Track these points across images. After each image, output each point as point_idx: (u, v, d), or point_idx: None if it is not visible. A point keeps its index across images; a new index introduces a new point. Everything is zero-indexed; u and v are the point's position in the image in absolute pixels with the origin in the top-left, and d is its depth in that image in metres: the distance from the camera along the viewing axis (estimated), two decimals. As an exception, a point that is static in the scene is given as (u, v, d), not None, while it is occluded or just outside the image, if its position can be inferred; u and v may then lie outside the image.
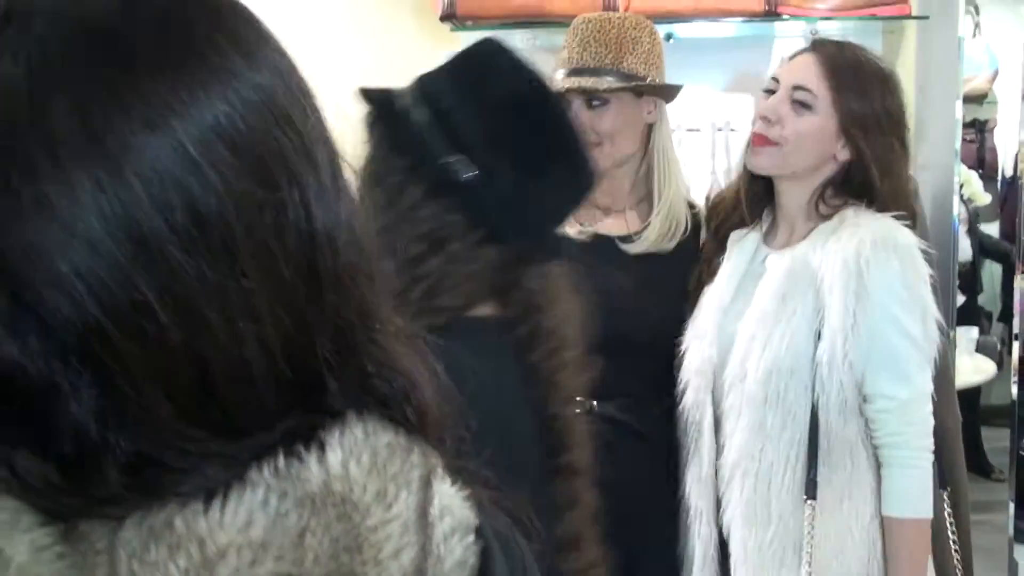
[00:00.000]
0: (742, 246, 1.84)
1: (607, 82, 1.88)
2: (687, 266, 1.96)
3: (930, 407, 1.66)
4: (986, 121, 4.77)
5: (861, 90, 1.71)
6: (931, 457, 1.67)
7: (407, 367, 0.60)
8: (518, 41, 2.54)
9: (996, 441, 3.51)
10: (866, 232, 1.65)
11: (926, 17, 2.45)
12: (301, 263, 0.54)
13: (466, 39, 2.60)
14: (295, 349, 0.54)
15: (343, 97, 2.65)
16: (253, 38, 0.59)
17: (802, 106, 1.71)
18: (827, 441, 1.67)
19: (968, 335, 3.87)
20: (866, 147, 1.69)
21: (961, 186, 3.02)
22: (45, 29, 0.52)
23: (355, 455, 0.54)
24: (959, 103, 2.41)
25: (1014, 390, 2.57)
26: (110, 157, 0.50)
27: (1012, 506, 2.53)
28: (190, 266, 0.51)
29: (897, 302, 1.64)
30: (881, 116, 1.71)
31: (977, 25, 4.07)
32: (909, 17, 2.41)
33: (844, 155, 1.72)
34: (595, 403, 1.92)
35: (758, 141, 1.75)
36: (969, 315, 4.12)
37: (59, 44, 0.52)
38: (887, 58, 2.60)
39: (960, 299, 3.33)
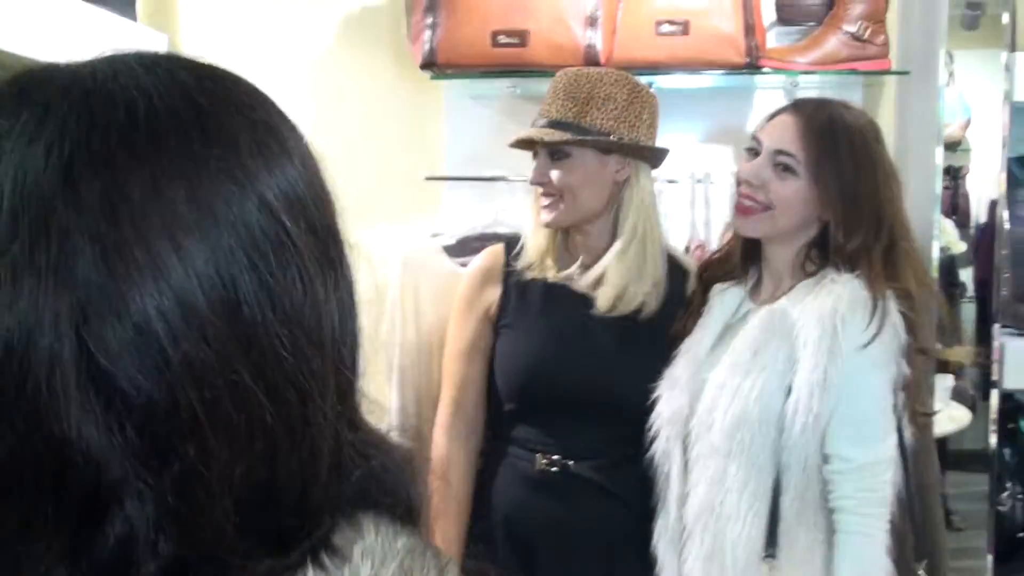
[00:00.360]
0: (723, 298, 1.84)
1: (561, 135, 1.87)
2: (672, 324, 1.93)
3: (889, 474, 1.64)
4: (960, 168, 4.80)
5: (838, 154, 1.70)
6: (885, 526, 1.64)
7: (396, 457, 0.61)
8: (497, 90, 2.54)
9: (967, 486, 3.50)
10: (844, 290, 1.63)
11: (906, 72, 2.45)
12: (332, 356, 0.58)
13: (447, 88, 2.61)
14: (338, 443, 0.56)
15: (324, 143, 2.63)
16: (281, 140, 0.62)
17: (785, 170, 1.71)
18: (789, 499, 1.65)
19: (943, 384, 3.87)
20: (843, 211, 1.69)
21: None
22: (72, 124, 0.52)
23: (380, 564, 0.55)
24: (939, 150, 2.41)
25: (992, 440, 2.55)
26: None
27: (990, 559, 2.51)
28: (280, 349, 0.53)
29: (869, 363, 1.62)
30: (857, 180, 1.69)
31: (951, 74, 4.11)
32: (889, 72, 2.41)
33: (827, 216, 1.71)
34: (571, 463, 1.89)
35: (745, 210, 1.74)
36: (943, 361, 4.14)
37: (89, 139, 0.52)
38: (867, 110, 2.61)
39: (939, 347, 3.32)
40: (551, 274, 1.95)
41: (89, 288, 0.49)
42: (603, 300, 1.91)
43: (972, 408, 3.82)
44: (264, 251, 0.55)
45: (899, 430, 1.67)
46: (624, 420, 1.85)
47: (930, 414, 2.27)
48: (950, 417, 3.72)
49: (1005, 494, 2.56)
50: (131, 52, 0.59)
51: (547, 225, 1.94)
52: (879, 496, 1.63)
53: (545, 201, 1.92)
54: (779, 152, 1.72)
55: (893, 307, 1.65)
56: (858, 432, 1.62)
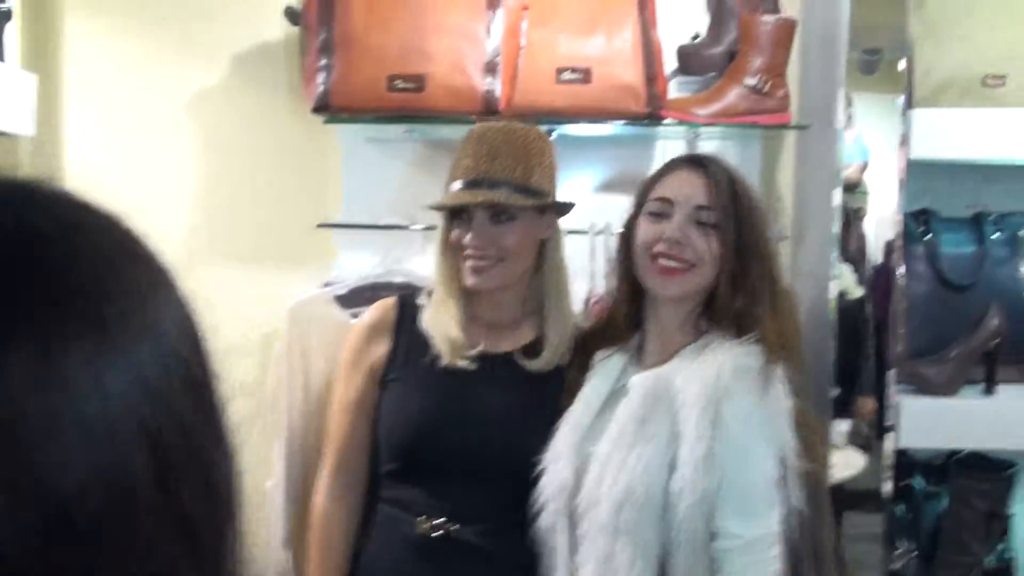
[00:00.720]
0: (606, 366, 1.79)
1: (518, 198, 1.81)
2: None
3: (776, 549, 1.59)
4: (857, 209, 4.91)
5: (739, 210, 1.67)
6: None
7: None
8: (394, 134, 2.46)
9: (861, 527, 3.52)
10: (728, 358, 1.59)
11: (806, 127, 2.45)
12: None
13: (343, 132, 2.52)
14: None
15: (212, 187, 2.52)
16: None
17: (707, 226, 1.67)
18: None
19: (839, 428, 3.91)
20: (733, 268, 1.66)
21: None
22: None
23: None
24: (838, 192, 2.41)
25: (887, 486, 2.54)
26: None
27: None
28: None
29: (753, 435, 1.58)
30: (760, 241, 1.68)
31: (850, 117, 4.19)
32: (790, 127, 2.40)
33: (727, 271, 1.67)
34: (456, 527, 1.82)
35: (670, 271, 1.69)
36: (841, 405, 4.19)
37: None
38: (767, 161, 2.61)
39: (836, 391, 3.34)
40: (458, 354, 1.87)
41: None
42: (543, 362, 1.88)
43: (867, 448, 3.86)
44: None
45: (788, 500, 1.63)
46: (515, 483, 1.78)
47: (819, 471, 2.27)
48: (846, 463, 3.76)
49: (898, 552, 2.55)
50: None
51: (475, 287, 1.87)
52: (770, 571, 1.59)
53: (478, 264, 1.84)
54: (700, 208, 1.68)
55: (779, 373, 1.61)
56: (744, 507, 1.57)
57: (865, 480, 3.97)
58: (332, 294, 2.34)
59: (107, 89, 2.58)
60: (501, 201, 1.81)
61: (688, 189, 1.70)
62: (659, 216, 1.72)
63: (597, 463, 1.66)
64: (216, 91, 2.59)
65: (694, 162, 1.75)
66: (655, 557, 1.59)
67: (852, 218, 4.80)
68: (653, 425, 1.62)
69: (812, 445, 2.16)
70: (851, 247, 4.70)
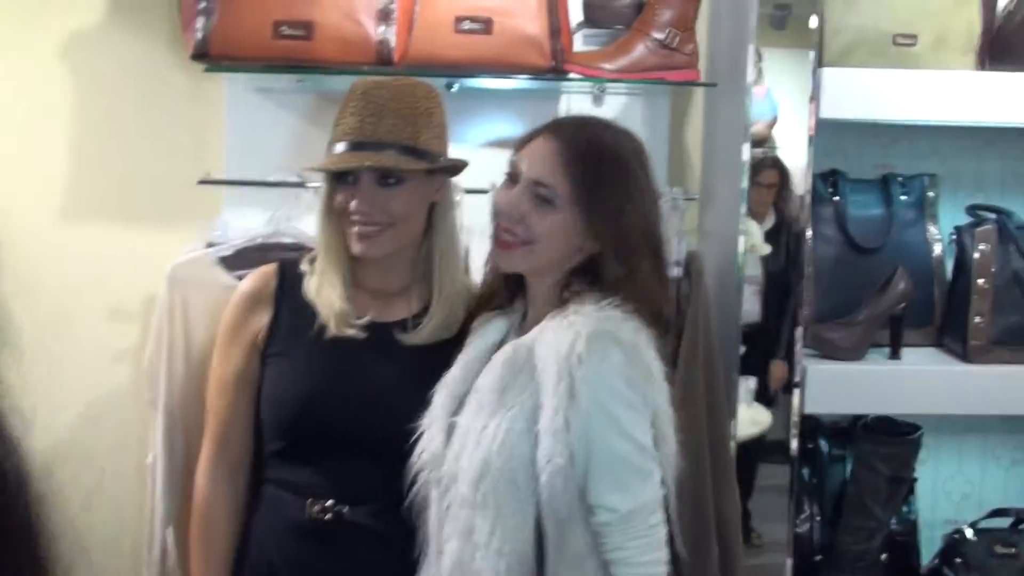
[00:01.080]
0: (485, 331, 1.71)
1: (408, 160, 1.69)
2: None
3: (658, 516, 1.52)
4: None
5: (603, 183, 1.56)
6: (662, 571, 1.52)
7: None
8: (284, 84, 2.31)
9: (769, 478, 3.51)
10: (584, 326, 1.50)
11: (714, 84, 2.36)
12: None
13: (229, 80, 2.35)
14: None
15: (86, 140, 2.34)
16: None
17: (544, 202, 1.57)
18: (553, 554, 1.52)
19: (745, 385, 3.90)
20: (609, 240, 1.56)
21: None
22: None
23: None
24: (746, 147, 2.33)
25: (793, 443, 2.50)
26: None
27: None
28: None
29: (617, 402, 1.49)
30: (626, 208, 1.57)
31: (760, 72, 4.15)
32: (697, 84, 2.32)
33: (590, 247, 1.58)
34: (346, 509, 1.72)
35: (505, 244, 1.60)
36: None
37: None
38: (675, 118, 2.53)
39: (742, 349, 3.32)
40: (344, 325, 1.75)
41: None
42: (427, 332, 1.78)
43: (773, 404, 3.86)
44: None
45: (664, 465, 1.56)
46: (404, 461, 1.68)
47: (723, 436, 2.22)
48: (752, 420, 3.76)
49: (803, 515, 2.53)
50: None
51: (363, 255, 1.75)
52: (654, 540, 1.52)
53: (366, 229, 1.72)
54: (537, 183, 1.58)
55: (642, 337, 1.52)
56: (616, 479, 1.49)
57: (774, 432, 3.98)
58: (216, 255, 2.19)
59: None
60: (388, 165, 1.69)
61: (536, 160, 1.60)
62: (510, 183, 1.63)
63: (459, 434, 1.58)
64: (90, 36, 2.39)
65: (555, 129, 1.63)
66: (519, 532, 1.50)
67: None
68: (513, 395, 1.53)
69: (695, 412, 2.12)
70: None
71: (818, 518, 2.56)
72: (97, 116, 2.41)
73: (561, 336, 1.50)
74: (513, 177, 1.62)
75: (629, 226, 1.56)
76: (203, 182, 2.24)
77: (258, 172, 2.31)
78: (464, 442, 1.56)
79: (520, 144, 1.65)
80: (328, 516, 1.72)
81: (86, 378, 2.45)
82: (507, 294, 1.73)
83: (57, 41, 2.38)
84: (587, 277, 1.58)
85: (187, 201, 2.37)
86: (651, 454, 1.51)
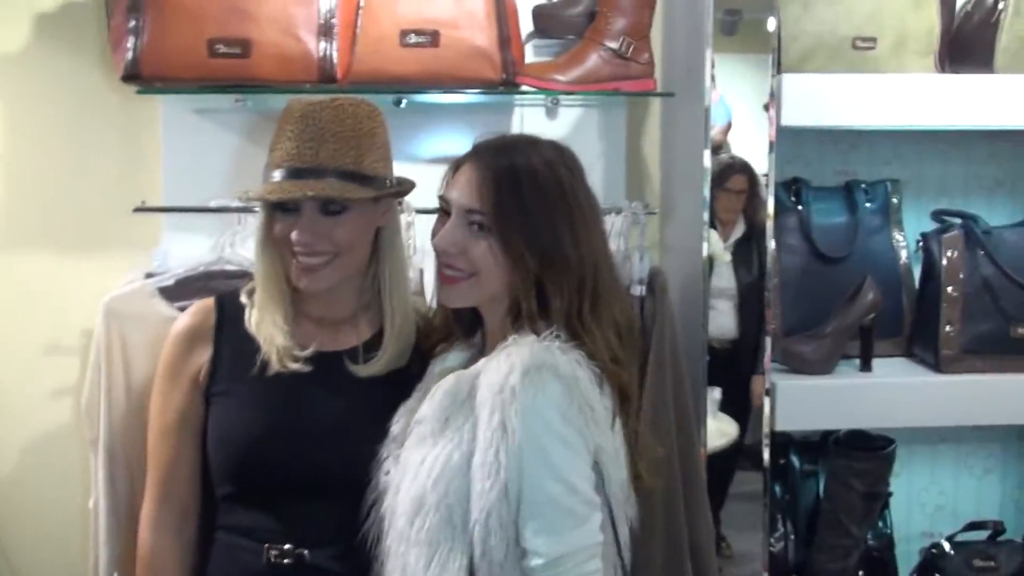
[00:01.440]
0: (444, 361, 1.63)
1: (352, 188, 1.58)
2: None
3: (594, 564, 1.40)
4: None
5: (523, 203, 1.46)
6: None
7: None
8: (223, 104, 2.21)
9: (740, 485, 3.45)
10: (519, 357, 1.40)
11: (671, 94, 2.29)
12: None
13: (165, 102, 2.25)
14: None
15: (15, 166, 2.22)
16: None
17: (480, 228, 1.48)
18: None
19: (712, 395, 3.83)
20: (541, 264, 1.46)
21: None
22: None
23: None
24: (707, 154, 2.26)
25: (764, 454, 2.42)
26: None
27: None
28: None
29: (551, 439, 1.38)
30: (553, 228, 1.46)
31: (712, 78, 4.12)
32: (655, 94, 2.24)
33: (534, 273, 1.47)
34: (306, 552, 1.61)
35: (449, 280, 1.52)
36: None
37: None
38: (632, 128, 2.45)
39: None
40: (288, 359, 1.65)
41: None
42: (382, 365, 1.68)
43: (741, 415, 3.79)
44: None
45: (609, 508, 1.46)
46: (362, 498, 1.58)
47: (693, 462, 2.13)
48: (720, 431, 3.68)
49: (777, 534, 2.45)
50: None
51: (306, 289, 1.65)
52: None
53: (309, 261, 1.62)
54: (469, 211, 1.50)
55: (580, 369, 1.42)
56: (545, 521, 1.38)
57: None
58: (155, 286, 2.08)
59: None
60: (332, 195, 1.58)
61: (463, 188, 1.51)
62: (444, 216, 1.55)
63: (399, 467, 1.49)
64: (16, 57, 2.29)
65: (476, 153, 1.55)
66: (452, 572, 1.40)
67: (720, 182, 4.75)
68: (453, 428, 1.44)
69: (665, 432, 2.04)
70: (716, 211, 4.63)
71: (792, 536, 2.49)
72: (26, 141, 2.30)
73: (497, 367, 1.41)
74: (446, 210, 1.54)
75: (560, 248, 1.46)
76: (139, 210, 2.13)
77: (199, 197, 2.20)
78: (402, 477, 1.47)
79: (448, 175, 1.57)
80: (287, 561, 1.62)
81: (23, 416, 2.33)
82: (465, 326, 1.64)
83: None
84: (539, 305, 1.49)
85: (124, 229, 2.26)
86: (586, 497, 1.40)
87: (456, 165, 1.55)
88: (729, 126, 4.18)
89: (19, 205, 2.31)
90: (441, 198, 1.56)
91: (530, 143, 1.53)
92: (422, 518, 1.41)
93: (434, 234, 1.55)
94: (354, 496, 1.58)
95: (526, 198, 1.46)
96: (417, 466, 1.43)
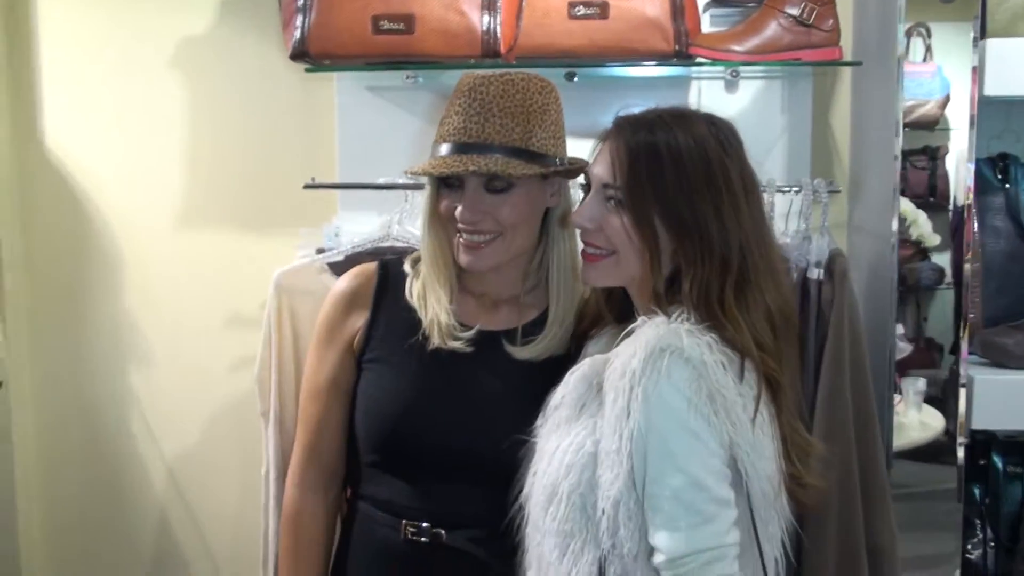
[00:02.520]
0: (598, 345, 1.55)
1: (517, 164, 1.54)
2: None
3: (726, 567, 1.29)
4: (938, 148, 4.53)
5: (659, 179, 1.37)
6: None
7: None
8: (395, 82, 2.21)
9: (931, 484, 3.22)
10: (644, 338, 1.31)
11: (859, 63, 2.13)
12: None
13: (340, 80, 2.28)
14: None
15: (197, 144, 2.31)
16: None
17: (616, 203, 1.41)
18: None
19: (915, 387, 3.59)
20: (679, 243, 1.38)
21: (909, 226, 2.76)
22: None
23: None
24: (898, 138, 2.09)
25: (959, 452, 2.23)
26: None
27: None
28: None
29: (674, 427, 1.28)
30: (687, 206, 1.37)
31: (928, 48, 3.85)
32: (840, 63, 2.08)
33: (667, 251, 1.40)
34: (444, 532, 1.59)
35: (591, 258, 1.46)
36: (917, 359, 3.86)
37: None
38: (819, 102, 2.30)
39: (908, 348, 3.06)
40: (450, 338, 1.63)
41: None
42: (541, 348, 1.64)
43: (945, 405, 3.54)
44: None
45: (749, 506, 1.35)
46: (511, 482, 1.52)
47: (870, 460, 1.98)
48: (922, 424, 3.45)
49: (975, 540, 2.26)
50: None
51: (469, 267, 1.62)
52: None
53: (472, 239, 1.59)
54: (606, 186, 1.42)
55: (709, 354, 1.31)
56: (666, 517, 1.29)
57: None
58: (325, 261, 2.11)
59: (81, 32, 2.40)
60: (495, 170, 1.54)
61: (602, 162, 1.44)
62: (585, 191, 1.49)
63: (537, 454, 1.44)
64: (202, 41, 2.38)
65: (617, 125, 1.46)
66: (589, 565, 1.34)
67: (932, 157, 4.44)
68: (587, 415, 1.37)
69: (841, 429, 1.89)
70: (932, 187, 4.33)
71: (992, 544, 2.28)
72: (209, 122, 2.40)
73: (624, 350, 1.33)
74: (590, 185, 1.48)
75: (700, 228, 1.37)
76: (309, 186, 2.16)
77: (372, 174, 2.22)
78: (536, 465, 1.43)
79: (593, 149, 1.50)
80: (424, 539, 1.61)
81: (206, 387, 2.43)
82: (617, 309, 1.57)
83: (170, 49, 2.38)
84: (679, 287, 1.40)
85: (303, 205, 2.31)
86: (713, 494, 1.29)
87: (600, 140, 1.48)
88: (947, 100, 3.88)
89: (204, 185, 2.41)
90: (584, 174, 1.51)
91: (676, 117, 1.43)
92: (555, 507, 1.36)
93: (576, 210, 1.50)
94: (498, 480, 1.54)
95: (664, 174, 1.37)
96: (551, 454, 1.38)
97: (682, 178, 1.37)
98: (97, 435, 2.52)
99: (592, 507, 1.34)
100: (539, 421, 1.50)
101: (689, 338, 1.31)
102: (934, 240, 3.94)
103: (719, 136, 1.42)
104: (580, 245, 1.67)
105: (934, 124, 3.84)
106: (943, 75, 3.33)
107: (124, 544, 2.55)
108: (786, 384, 1.40)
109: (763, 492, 1.36)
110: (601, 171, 1.43)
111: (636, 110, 1.48)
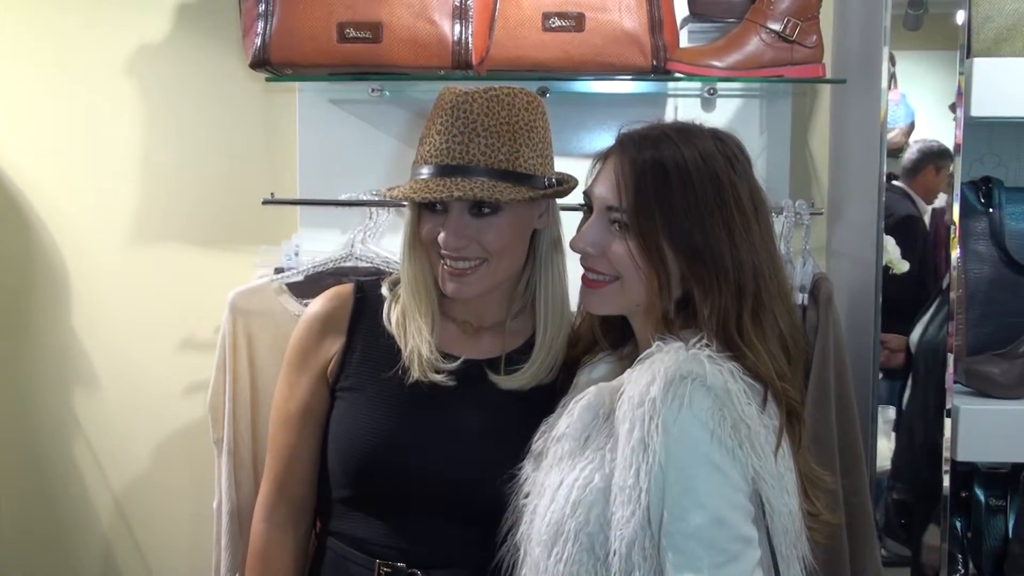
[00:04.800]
0: (592, 375, 1.47)
1: (504, 188, 1.44)
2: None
3: None
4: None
5: (668, 200, 1.30)
6: None
7: None
8: (360, 95, 2.12)
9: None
10: (662, 365, 1.23)
11: (842, 81, 2.06)
12: None
13: (302, 91, 2.18)
14: None
15: (154, 158, 2.20)
16: None
17: (621, 226, 1.33)
18: None
19: (884, 415, 3.56)
20: (688, 267, 1.30)
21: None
22: None
23: None
24: (883, 161, 2.04)
25: (945, 480, 2.16)
26: None
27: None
28: None
29: (696, 460, 1.20)
30: (696, 228, 1.29)
31: (893, 76, 3.86)
32: (823, 80, 2.02)
33: (675, 275, 1.32)
34: (419, 572, 1.50)
35: (591, 284, 1.38)
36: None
37: None
38: (798, 121, 2.23)
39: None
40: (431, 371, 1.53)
41: None
42: (528, 377, 1.55)
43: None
44: None
45: (770, 544, 1.26)
46: (492, 520, 1.44)
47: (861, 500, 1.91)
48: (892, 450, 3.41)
49: (958, 575, 2.18)
50: None
51: (454, 295, 1.52)
52: None
53: (457, 266, 1.49)
54: (609, 208, 1.34)
55: (733, 382, 1.23)
56: (688, 557, 1.19)
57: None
58: (283, 281, 2.01)
59: (32, 51, 2.32)
60: (481, 196, 1.44)
61: (603, 184, 1.36)
62: (588, 213, 1.40)
63: (536, 490, 1.35)
64: (158, 48, 2.28)
65: (620, 144, 1.38)
66: None
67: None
68: (594, 447, 1.28)
69: (827, 458, 1.82)
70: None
71: (974, 579, 2.21)
72: (164, 134, 2.31)
73: (639, 378, 1.24)
74: (590, 207, 1.40)
75: (713, 250, 1.29)
76: (268, 202, 2.06)
77: (334, 190, 2.12)
78: (536, 502, 1.33)
79: (592, 169, 1.42)
80: None
81: (156, 412, 2.31)
82: (613, 336, 1.49)
83: (124, 57, 2.29)
84: (690, 313, 1.32)
85: (262, 221, 2.21)
86: (737, 532, 1.20)
87: (600, 158, 1.40)
88: (912, 127, 3.88)
89: (156, 198, 2.31)
90: (585, 194, 1.42)
91: (683, 132, 1.35)
92: (560, 548, 1.26)
93: (576, 233, 1.41)
94: (482, 518, 1.45)
95: (672, 194, 1.29)
96: (555, 489, 1.29)
97: (691, 199, 1.29)
98: (39, 464, 2.38)
99: (602, 547, 1.25)
100: (531, 453, 1.41)
101: (711, 365, 1.22)
102: (903, 267, 3.91)
103: (726, 152, 1.34)
104: (571, 266, 1.59)
105: (899, 151, 3.83)
106: (907, 103, 3.30)
107: (67, 580, 2.42)
108: (802, 413, 1.32)
109: (785, 529, 1.27)
110: (604, 192, 1.35)
111: (639, 125, 1.40)
